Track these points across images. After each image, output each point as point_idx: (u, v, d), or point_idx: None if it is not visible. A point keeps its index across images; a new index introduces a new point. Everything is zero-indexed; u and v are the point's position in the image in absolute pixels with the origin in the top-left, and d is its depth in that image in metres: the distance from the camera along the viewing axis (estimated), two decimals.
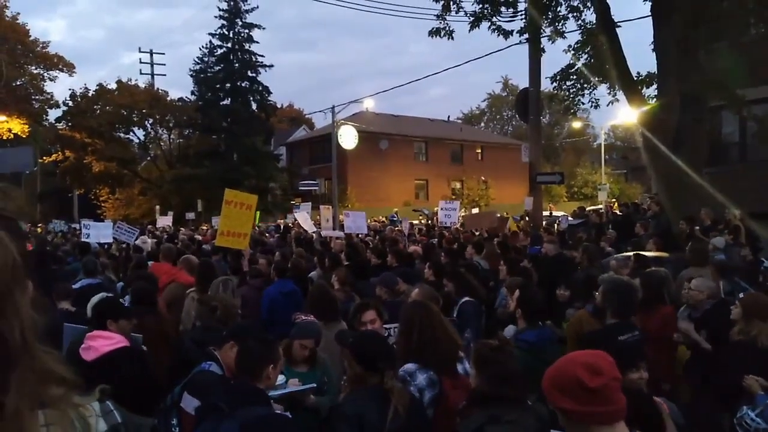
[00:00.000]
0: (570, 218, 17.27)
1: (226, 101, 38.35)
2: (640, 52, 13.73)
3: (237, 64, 37.88)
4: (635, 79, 13.23)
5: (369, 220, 21.41)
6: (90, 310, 3.97)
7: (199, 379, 3.23)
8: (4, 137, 32.65)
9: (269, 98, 39.60)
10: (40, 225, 27.90)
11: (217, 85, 38.05)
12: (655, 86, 13.40)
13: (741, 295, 4.66)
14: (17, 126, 33.80)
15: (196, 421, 2.77)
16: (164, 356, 4.46)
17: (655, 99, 12.71)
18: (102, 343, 3.25)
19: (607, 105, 15.89)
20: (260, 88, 38.76)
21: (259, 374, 2.74)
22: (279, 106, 47.12)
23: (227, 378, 3.33)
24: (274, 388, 3.08)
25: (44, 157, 39.43)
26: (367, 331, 3.74)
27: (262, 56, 38.47)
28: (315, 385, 3.61)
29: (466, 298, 5.44)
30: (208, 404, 2.62)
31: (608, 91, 15.37)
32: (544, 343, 3.75)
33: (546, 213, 19.44)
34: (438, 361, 3.30)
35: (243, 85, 38.39)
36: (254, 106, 39.00)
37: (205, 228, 21.22)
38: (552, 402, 1.93)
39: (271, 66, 38.78)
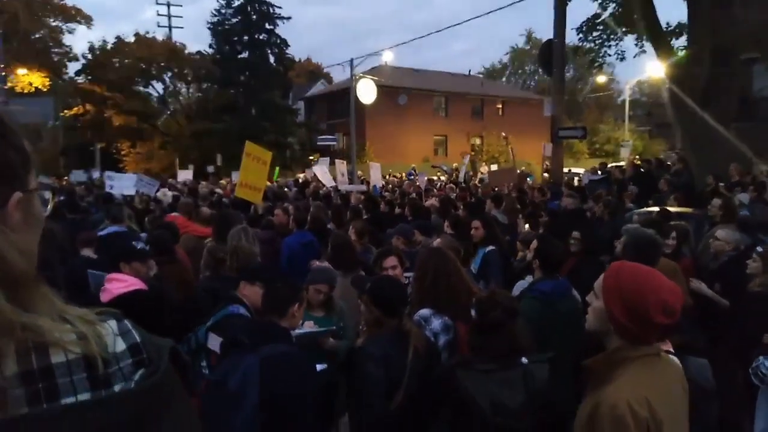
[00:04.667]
0: (591, 174, 17.02)
1: (244, 54, 37.94)
2: (670, 1, 13.19)
3: (254, 16, 37.29)
4: (664, 29, 12.76)
5: (387, 176, 21.52)
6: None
7: (229, 323, 3.26)
8: (25, 90, 32.85)
9: (287, 51, 39.10)
10: (65, 178, 28.32)
11: (235, 38, 37.55)
12: (684, 37, 12.94)
13: (759, 249, 4.55)
14: (38, 79, 33.94)
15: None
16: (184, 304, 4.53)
17: (684, 50, 12.28)
18: (115, 285, 3.28)
19: (634, 57, 15.51)
20: (278, 41, 38.20)
21: (285, 312, 2.79)
22: (297, 60, 46.47)
23: (256, 319, 3.39)
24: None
25: (65, 111, 39.70)
26: (383, 275, 3.76)
27: (279, 8, 37.86)
28: (335, 327, 3.68)
29: (491, 247, 5.41)
30: (231, 339, 2.69)
31: (636, 43, 14.92)
32: (558, 295, 3.67)
33: (565, 170, 19.14)
34: (453, 307, 3.31)
35: (261, 37, 37.82)
36: (272, 59, 38.54)
37: (224, 182, 21.35)
38: (606, 302, 1.89)
39: (288, 18, 38.17)
